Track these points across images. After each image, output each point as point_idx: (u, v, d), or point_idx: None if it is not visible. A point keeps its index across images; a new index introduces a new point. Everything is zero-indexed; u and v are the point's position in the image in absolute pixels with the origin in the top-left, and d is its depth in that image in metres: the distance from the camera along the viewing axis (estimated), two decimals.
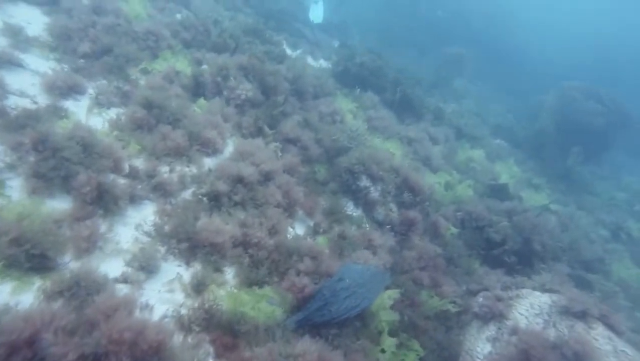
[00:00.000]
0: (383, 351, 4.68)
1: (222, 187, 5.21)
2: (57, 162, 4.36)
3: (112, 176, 4.74)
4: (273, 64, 8.87)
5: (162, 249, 4.44)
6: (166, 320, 3.79)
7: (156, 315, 3.79)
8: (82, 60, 6.52)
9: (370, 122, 9.75)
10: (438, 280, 6.22)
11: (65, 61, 6.38)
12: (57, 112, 5.28)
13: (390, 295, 5.15)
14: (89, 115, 5.67)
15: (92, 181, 4.31)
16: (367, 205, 7.02)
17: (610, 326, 5.33)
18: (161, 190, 5.04)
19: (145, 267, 4.10)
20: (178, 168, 5.51)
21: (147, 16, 8.74)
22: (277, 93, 7.83)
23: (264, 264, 4.76)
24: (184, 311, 3.92)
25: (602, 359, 4.87)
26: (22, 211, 3.82)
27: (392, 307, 5.09)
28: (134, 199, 4.76)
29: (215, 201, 5.16)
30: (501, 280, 6.47)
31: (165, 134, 5.63)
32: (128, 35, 7.36)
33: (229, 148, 6.39)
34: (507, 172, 12.74)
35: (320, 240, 5.79)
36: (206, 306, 3.93)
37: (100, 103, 5.93)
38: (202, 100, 7.09)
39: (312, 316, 4.31)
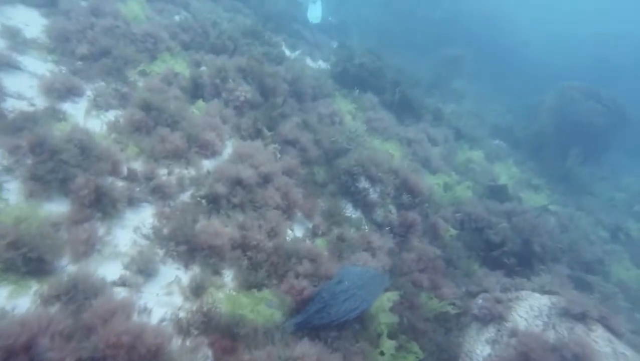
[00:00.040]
0: (382, 353, 4.68)
1: (221, 189, 5.20)
2: (55, 164, 4.35)
3: (110, 179, 4.73)
4: (272, 65, 8.87)
5: (161, 252, 4.43)
6: (164, 323, 3.78)
7: (154, 318, 3.78)
8: (80, 62, 6.51)
9: (370, 123, 9.74)
10: (437, 282, 6.21)
11: (63, 63, 6.37)
12: (55, 115, 5.27)
13: (389, 297, 5.14)
14: (87, 118, 5.66)
15: (90, 184, 4.30)
16: (366, 207, 7.01)
17: (610, 328, 5.33)
18: (160, 193, 5.03)
19: (144, 270, 4.09)
20: (176, 170, 5.49)
21: (145, 18, 8.73)
22: (275, 94, 7.83)
23: (262, 266, 4.75)
24: (182, 314, 3.91)
25: None
26: (19, 214, 3.81)
27: (391, 309, 5.08)
28: (132, 202, 4.75)
29: (214, 203, 5.15)
30: (500, 282, 6.48)
31: (163, 136, 5.62)
32: (126, 37, 7.36)
33: (228, 150, 6.38)
34: (506, 173, 12.75)
35: (319, 242, 5.78)
36: (205, 309, 3.91)
37: (98, 105, 5.92)
38: (200, 102, 7.07)
39: (311, 319, 4.30)
